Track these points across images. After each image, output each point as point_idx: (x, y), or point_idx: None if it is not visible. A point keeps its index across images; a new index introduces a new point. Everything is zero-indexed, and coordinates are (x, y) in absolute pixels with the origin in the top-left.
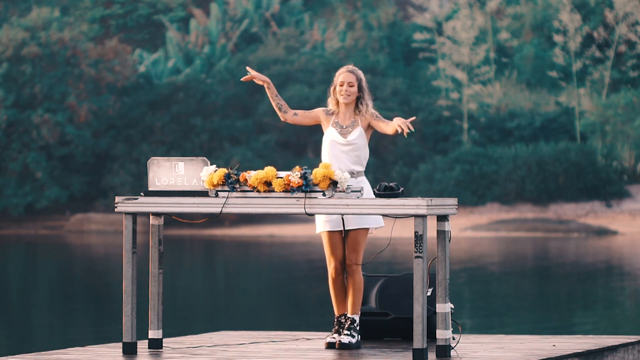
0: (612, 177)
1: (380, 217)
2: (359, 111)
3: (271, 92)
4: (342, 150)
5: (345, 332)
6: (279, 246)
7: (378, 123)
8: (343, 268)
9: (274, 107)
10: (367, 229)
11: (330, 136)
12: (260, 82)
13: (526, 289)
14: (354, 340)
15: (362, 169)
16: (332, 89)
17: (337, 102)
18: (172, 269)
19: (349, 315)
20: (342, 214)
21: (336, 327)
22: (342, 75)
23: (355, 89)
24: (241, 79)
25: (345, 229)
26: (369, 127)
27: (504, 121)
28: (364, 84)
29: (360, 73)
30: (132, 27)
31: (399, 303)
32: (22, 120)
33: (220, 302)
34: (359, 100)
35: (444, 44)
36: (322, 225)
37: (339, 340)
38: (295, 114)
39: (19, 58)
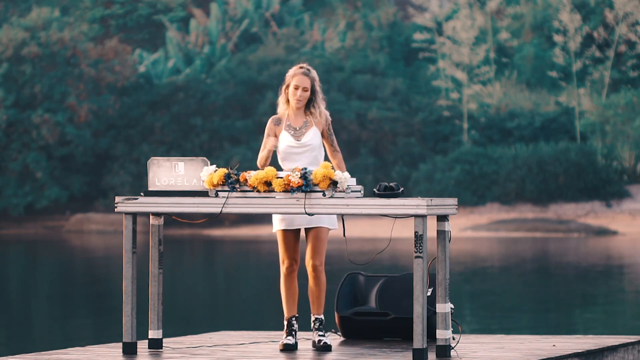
0: (612, 177)
1: (335, 218)
2: (311, 113)
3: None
4: (297, 152)
5: (320, 332)
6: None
7: (327, 140)
8: (296, 268)
9: (265, 160)
10: (328, 228)
11: (284, 140)
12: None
13: (526, 289)
14: (329, 340)
15: None
16: (283, 88)
17: (286, 101)
18: (172, 269)
19: (317, 316)
20: (342, 214)
21: (287, 330)
22: (297, 78)
23: (308, 93)
24: None
25: (305, 227)
26: (322, 133)
27: (504, 121)
28: (317, 85)
29: (315, 74)
30: (132, 27)
31: (399, 303)
32: (22, 120)
33: (220, 302)
34: (310, 102)
35: (444, 44)
36: (277, 225)
37: (324, 342)
38: (268, 155)
39: (19, 58)
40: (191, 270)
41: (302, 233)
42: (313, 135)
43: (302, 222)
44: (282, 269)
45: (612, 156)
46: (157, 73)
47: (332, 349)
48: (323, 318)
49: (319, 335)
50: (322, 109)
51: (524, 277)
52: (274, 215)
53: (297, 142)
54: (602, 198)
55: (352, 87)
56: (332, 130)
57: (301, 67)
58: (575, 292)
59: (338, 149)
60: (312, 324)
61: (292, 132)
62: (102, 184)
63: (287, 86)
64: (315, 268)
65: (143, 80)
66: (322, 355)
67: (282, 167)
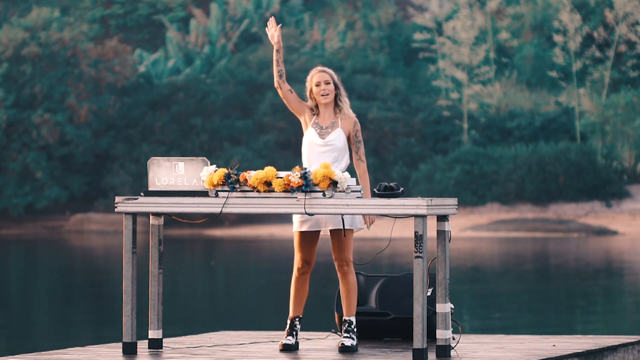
0: (612, 177)
1: (358, 218)
2: (339, 109)
3: (279, 56)
4: (320, 151)
5: (345, 334)
6: (279, 246)
7: (353, 147)
8: (308, 270)
9: (275, 71)
10: (351, 229)
11: (309, 137)
12: (273, 42)
13: (526, 289)
14: (355, 343)
15: (342, 170)
16: (308, 93)
17: (316, 106)
18: (172, 269)
19: (345, 317)
20: (342, 214)
21: (288, 330)
22: (316, 76)
23: (332, 86)
24: (269, 22)
25: (330, 229)
26: (349, 137)
27: (504, 121)
28: (338, 81)
29: (332, 71)
30: (132, 27)
31: (399, 303)
32: (22, 120)
33: (220, 302)
34: (337, 98)
35: (444, 44)
36: (298, 225)
37: (342, 342)
38: (291, 91)
39: (19, 58)
40: (191, 270)
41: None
42: (337, 136)
43: (322, 224)
44: (295, 269)
45: (612, 156)
46: (157, 73)
47: (338, 349)
48: (351, 320)
49: (343, 337)
50: (347, 108)
51: (524, 277)
52: (294, 215)
53: (321, 140)
54: (602, 198)
55: (352, 87)
56: (360, 138)
57: (316, 68)
58: (575, 292)
59: (363, 158)
60: (341, 326)
61: (319, 130)
62: (102, 184)
63: (310, 91)
64: (339, 268)
65: (143, 80)
66: (323, 356)
67: (306, 163)
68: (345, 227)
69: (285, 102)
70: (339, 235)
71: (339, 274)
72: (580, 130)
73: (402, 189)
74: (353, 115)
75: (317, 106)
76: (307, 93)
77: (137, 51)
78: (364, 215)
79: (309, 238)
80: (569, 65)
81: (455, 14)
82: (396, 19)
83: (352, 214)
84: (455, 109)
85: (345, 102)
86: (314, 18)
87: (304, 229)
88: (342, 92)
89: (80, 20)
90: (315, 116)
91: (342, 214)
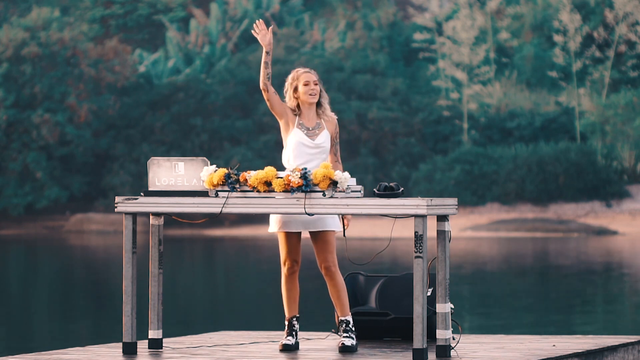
0: (612, 177)
1: (337, 220)
2: (322, 111)
3: (268, 58)
4: (310, 152)
5: (344, 334)
6: (279, 246)
7: (332, 149)
8: (297, 269)
9: (264, 73)
10: (333, 231)
11: (296, 138)
12: (264, 44)
13: (526, 289)
14: (354, 342)
15: None
16: (291, 92)
17: (297, 106)
18: (172, 269)
19: (341, 317)
20: (342, 214)
21: (287, 330)
22: (305, 75)
23: (319, 87)
24: (255, 23)
25: (312, 230)
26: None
27: (504, 121)
28: (321, 84)
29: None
30: (132, 27)
31: (399, 303)
32: (22, 120)
33: (220, 302)
34: (320, 99)
35: (444, 44)
36: (277, 226)
37: (342, 343)
38: (276, 93)
39: (19, 58)
40: (191, 270)
41: (307, 233)
42: (325, 138)
43: (302, 226)
44: (283, 270)
45: (612, 156)
46: (157, 73)
47: (338, 349)
48: (348, 319)
49: (343, 337)
50: (327, 107)
51: (524, 277)
52: (271, 216)
53: (312, 141)
54: (602, 198)
55: (352, 87)
56: (338, 140)
57: (302, 68)
58: (575, 292)
59: (340, 160)
60: (338, 327)
61: (305, 131)
62: (102, 184)
63: (295, 89)
64: (327, 270)
65: (143, 80)
66: (323, 356)
67: (292, 164)
68: (327, 229)
69: (268, 104)
70: (323, 236)
71: (326, 277)
72: (580, 130)
73: (402, 189)
74: (335, 116)
75: (298, 106)
76: (290, 93)
77: (137, 51)
78: (344, 217)
79: (292, 237)
80: (569, 65)
81: (455, 14)
82: (396, 19)
83: (352, 214)
84: (455, 109)
85: (325, 105)
86: (314, 18)
87: (284, 229)
88: (324, 93)
89: (80, 20)
90: (297, 117)
91: (342, 214)
